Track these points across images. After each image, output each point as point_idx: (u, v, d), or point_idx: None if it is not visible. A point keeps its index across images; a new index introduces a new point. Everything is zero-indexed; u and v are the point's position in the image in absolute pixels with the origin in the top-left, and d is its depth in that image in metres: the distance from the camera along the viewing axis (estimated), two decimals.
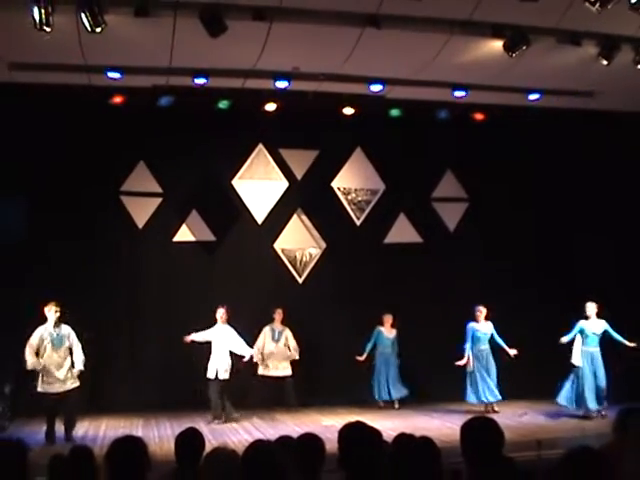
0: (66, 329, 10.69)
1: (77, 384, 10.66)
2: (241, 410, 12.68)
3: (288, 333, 13.28)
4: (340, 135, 14.00)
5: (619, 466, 3.90)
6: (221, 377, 12.07)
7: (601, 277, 13.38)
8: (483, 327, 12.70)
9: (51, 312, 10.56)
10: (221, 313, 12.21)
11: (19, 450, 3.87)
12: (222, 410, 12.07)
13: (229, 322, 12.28)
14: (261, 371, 13.20)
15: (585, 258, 14.24)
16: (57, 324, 10.62)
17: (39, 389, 10.52)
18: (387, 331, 13.53)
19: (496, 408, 12.52)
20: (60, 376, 10.53)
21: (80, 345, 10.75)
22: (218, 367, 12.09)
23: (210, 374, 12.09)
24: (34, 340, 10.48)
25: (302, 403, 13.30)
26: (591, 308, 12.02)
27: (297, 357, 13.21)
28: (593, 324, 12.05)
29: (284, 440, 4.71)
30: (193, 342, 12.04)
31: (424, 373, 13.37)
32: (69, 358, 10.67)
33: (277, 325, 13.33)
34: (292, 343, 13.25)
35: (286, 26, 9.55)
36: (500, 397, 12.58)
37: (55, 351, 10.56)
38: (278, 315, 13.32)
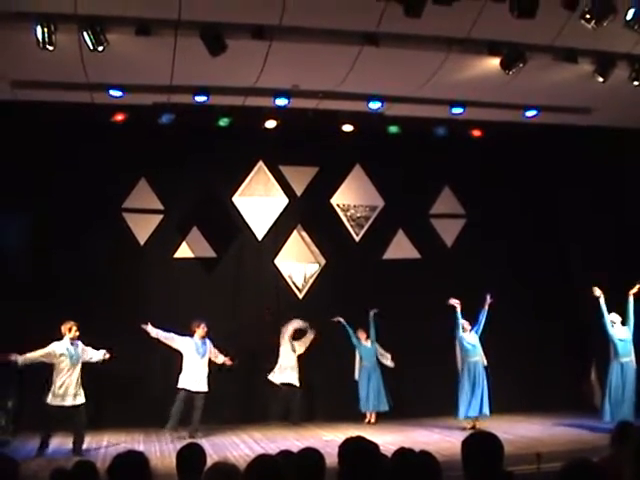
0: (81, 345, 10.88)
1: (84, 400, 10.78)
2: (242, 425, 12.77)
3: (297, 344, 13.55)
4: (339, 152, 14.08)
5: (617, 479, 3.94)
6: (195, 389, 12.11)
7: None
8: (471, 338, 12.72)
9: (72, 331, 10.72)
10: (203, 328, 12.25)
11: (8, 467, 3.92)
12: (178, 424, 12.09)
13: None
14: (275, 378, 13.39)
15: (584, 273, 14.27)
16: (73, 342, 10.78)
17: (50, 402, 10.59)
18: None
19: (477, 424, 12.25)
20: (73, 391, 10.66)
21: (93, 350, 11.00)
22: (196, 379, 12.12)
23: (184, 385, 12.15)
24: (45, 351, 10.58)
25: (304, 418, 13.36)
26: (614, 318, 12.00)
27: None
28: (620, 332, 12.01)
29: (285, 454, 4.74)
30: (150, 337, 12.08)
31: (423, 388, 13.38)
32: (80, 373, 10.81)
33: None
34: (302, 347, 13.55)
35: (285, 45, 9.63)
36: (481, 413, 12.36)
37: (73, 368, 10.70)
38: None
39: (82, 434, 10.74)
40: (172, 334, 12.22)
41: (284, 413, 13.49)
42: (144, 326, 12.01)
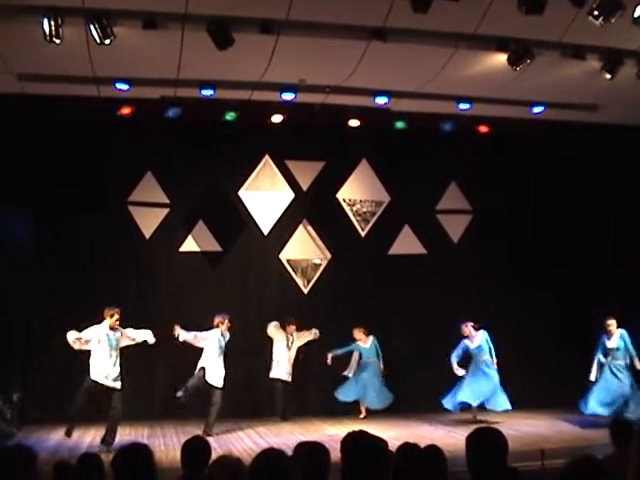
0: (120, 329, 10.93)
1: (120, 386, 10.82)
2: (246, 419, 12.78)
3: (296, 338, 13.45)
4: (346, 147, 14.10)
5: (622, 477, 3.93)
6: (210, 382, 11.95)
7: (606, 289, 13.39)
8: (476, 341, 12.76)
9: (113, 318, 10.76)
10: (227, 324, 12.12)
11: (28, 457, 3.93)
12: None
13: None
14: (275, 374, 13.33)
15: (589, 270, 14.26)
16: (114, 328, 10.83)
17: (92, 377, 10.63)
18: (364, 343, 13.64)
19: (479, 417, 12.54)
20: (110, 373, 10.70)
21: (134, 331, 11.11)
22: (213, 373, 11.97)
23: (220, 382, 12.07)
24: (85, 334, 10.66)
25: (295, 413, 13.33)
26: (611, 321, 12.13)
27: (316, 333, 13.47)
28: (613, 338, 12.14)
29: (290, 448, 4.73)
30: (183, 342, 11.89)
31: (427, 383, 13.37)
32: (119, 360, 10.85)
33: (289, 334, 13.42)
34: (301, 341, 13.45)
35: (293, 39, 9.62)
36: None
37: (110, 350, 10.73)
38: (290, 328, 13.41)
39: (116, 424, 10.73)
40: (198, 334, 11.96)
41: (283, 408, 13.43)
42: (175, 332, 11.80)
